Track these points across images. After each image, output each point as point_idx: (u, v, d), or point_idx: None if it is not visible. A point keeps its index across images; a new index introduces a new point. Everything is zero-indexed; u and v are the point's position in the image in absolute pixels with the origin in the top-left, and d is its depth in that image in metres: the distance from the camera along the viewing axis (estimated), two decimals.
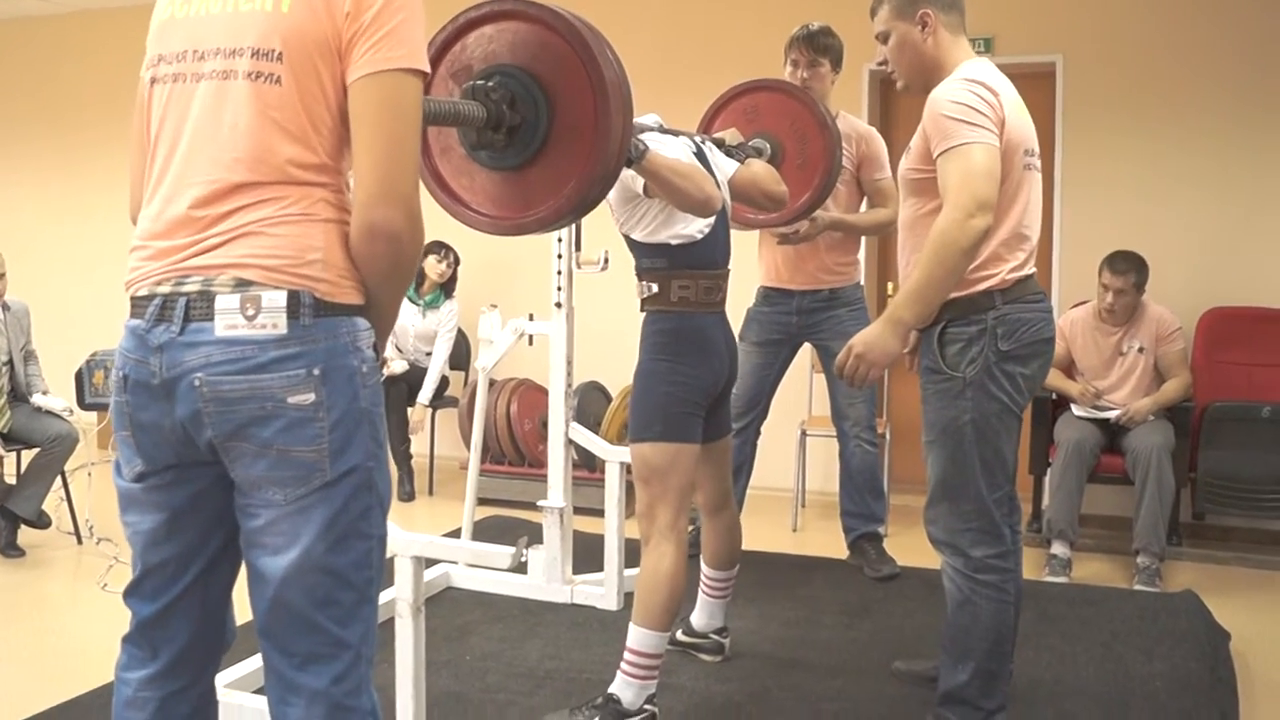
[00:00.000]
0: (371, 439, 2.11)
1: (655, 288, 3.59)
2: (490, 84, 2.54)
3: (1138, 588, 5.18)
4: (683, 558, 3.52)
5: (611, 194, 3.38)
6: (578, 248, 4.74)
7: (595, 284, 5.02)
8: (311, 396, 2.01)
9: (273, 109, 2.03)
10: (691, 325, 3.58)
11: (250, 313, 1.98)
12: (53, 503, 5.82)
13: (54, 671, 4.22)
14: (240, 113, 2.04)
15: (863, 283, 5.43)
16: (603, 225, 5.60)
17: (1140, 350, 5.73)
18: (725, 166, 3.81)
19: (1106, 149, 6.38)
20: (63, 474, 5.80)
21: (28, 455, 5.84)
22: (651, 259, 3.61)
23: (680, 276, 3.57)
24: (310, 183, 2.05)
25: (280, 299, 1.99)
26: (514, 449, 6.76)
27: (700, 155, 3.69)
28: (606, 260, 4.71)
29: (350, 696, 2.13)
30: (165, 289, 2.03)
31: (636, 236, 3.64)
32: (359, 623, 2.14)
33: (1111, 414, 5.65)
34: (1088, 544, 5.79)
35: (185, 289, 2.01)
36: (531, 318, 5.01)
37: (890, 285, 6.66)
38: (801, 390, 6.41)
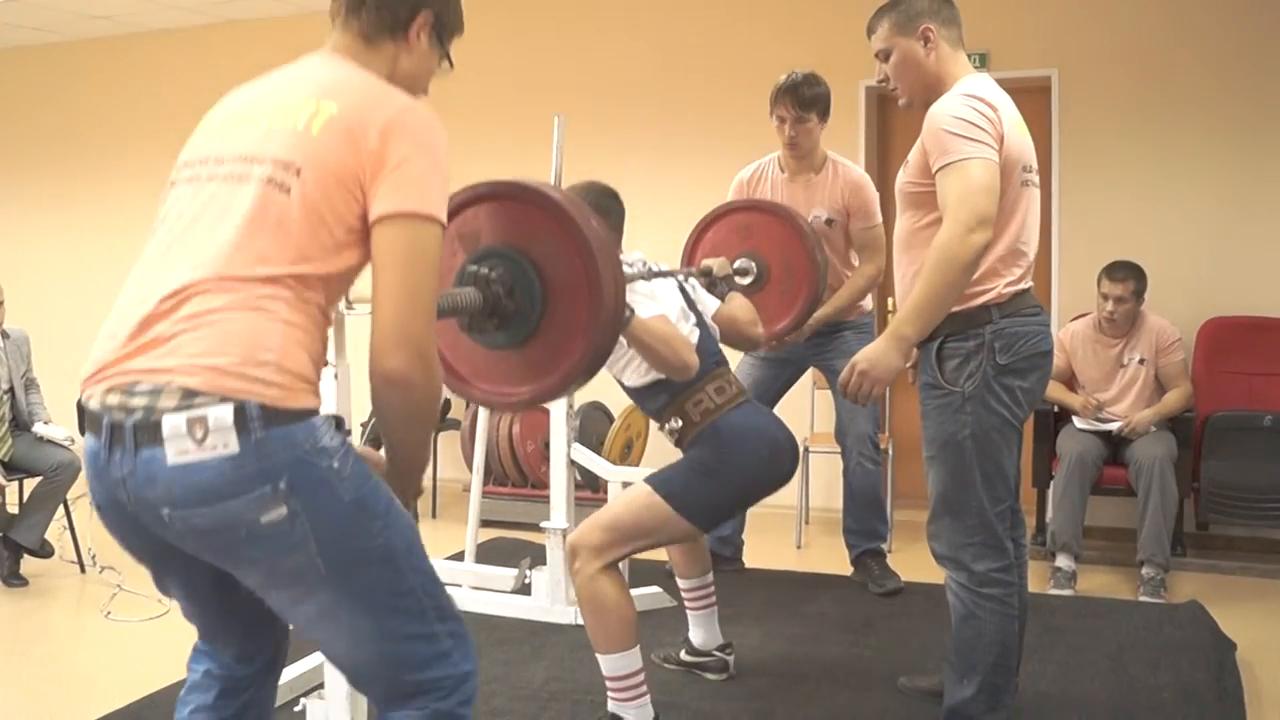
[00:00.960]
0: (372, 518, 2.08)
1: (679, 421, 3.59)
2: (492, 274, 2.54)
3: (1143, 599, 5.17)
4: (619, 582, 3.50)
5: None
6: None
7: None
8: (283, 510, 1.97)
9: (271, 213, 2.05)
10: (730, 423, 3.56)
11: (199, 435, 1.93)
12: (55, 532, 5.82)
13: (58, 701, 4.21)
14: (239, 212, 2.06)
15: (870, 307, 5.43)
16: None
17: (1141, 362, 5.73)
18: (708, 303, 3.88)
19: (1103, 162, 6.40)
20: (65, 503, 5.79)
21: (30, 484, 5.83)
22: (655, 397, 3.63)
23: (690, 397, 3.57)
24: (276, 280, 2.03)
25: (227, 415, 1.93)
26: (516, 470, 6.76)
27: (684, 293, 3.77)
28: None
29: (457, 708, 2.22)
30: (114, 400, 1.99)
31: (630, 382, 3.67)
32: (436, 661, 2.19)
33: (1113, 426, 5.65)
34: (1092, 556, 5.78)
35: (133, 404, 1.97)
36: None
37: (890, 301, 6.66)
38: (804, 407, 6.41)
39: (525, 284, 2.56)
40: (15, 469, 5.79)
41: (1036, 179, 3.32)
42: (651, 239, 7.13)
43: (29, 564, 5.76)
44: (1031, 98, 6.49)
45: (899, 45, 3.33)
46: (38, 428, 5.88)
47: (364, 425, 3.08)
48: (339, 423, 2.10)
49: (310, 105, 2.14)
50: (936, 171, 3.12)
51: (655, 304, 3.48)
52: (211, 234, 2.07)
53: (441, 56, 2.46)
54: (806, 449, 6.29)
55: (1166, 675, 4.10)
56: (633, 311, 3.28)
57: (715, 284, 3.99)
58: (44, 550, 5.79)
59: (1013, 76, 6.42)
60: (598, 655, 3.52)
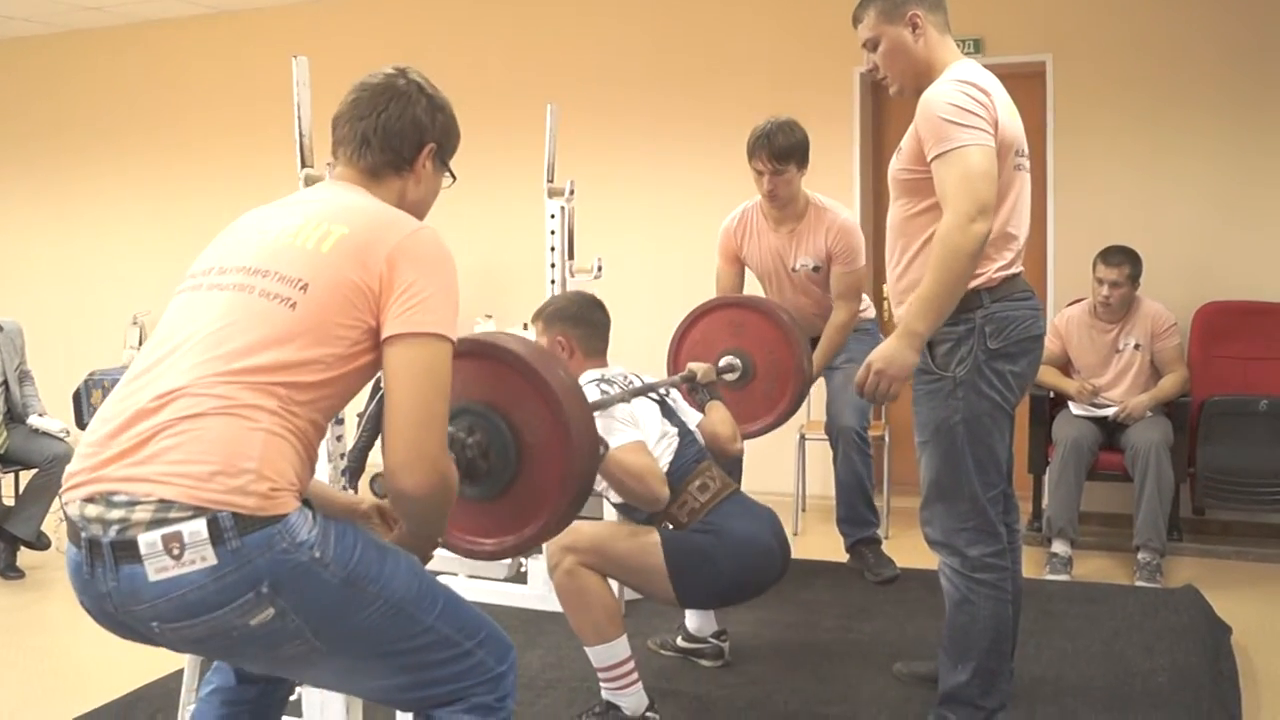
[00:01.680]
0: (366, 585, 2.09)
1: (670, 526, 3.59)
2: (469, 438, 2.55)
3: (1139, 584, 5.18)
4: (597, 575, 3.50)
5: None
6: (570, 256, 4.74)
7: (590, 291, 5.02)
8: (271, 610, 1.98)
9: (271, 324, 2.08)
10: (719, 522, 3.57)
11: (176, 551, 1.93)
12: (52, 524, 5.79)
13: (55, 693, 4.21)
14: (236, 320, 2.09)
15: (873, 314, 5.42)
16: (595, 232, 5.62)
17: (1136, 347, 5.73)
18: (690, 415, 3.90)
19: (1098, 147, 6.39)
20: (61, 495, 5.78)
21: (25, 477, 5.82)
22: (640, 511, 3.62)
23: (675, 501, 3.57)
24: (265, 388, 2.04)
25: (201, 529, 1.93)
26: None
27: (664, 407, 3.79)
28: (600, 268, 4.71)
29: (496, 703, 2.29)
30: (92, 512, 1.98)
31: (615, 499, 3.68)
32: (470, 671, 2.25)
33: (1109, 411, 5.65)
34: (1088, 542, 5.78)
35: (110, 517, 1.96)
36: (526, 327, 5.01)
37: (884, 287, 6.66)
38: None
39: (500, 444, 2.58)
40: (10, 461, 5.79)
41: (1027, 163, 3.30)
42: (644, 231, 7.18)
43: (25, 556, 5.76)
44: (1026, 83, 6.48)
45: (886, 33, 3.29)
46: (32, 420, 5.87)
47: (359, 416, 3.08)
48: (309, 505, 2.09)
49: (321, 228, 2.19)
50: (933, 160, 3.09)
51: (633, 430, 3.51)
52: (204, 342, 2.08)
53: (445, 174, 2.53)
54: (803, 436, 6.29)
55: (1162, 660, 4.10)
56: (607, 447, 3.29)
57: (697, 389, 4.05)
58: (40, 542, 5.78)
59: (1007, 62, 6.42)
60: (585, 648, 3.53)
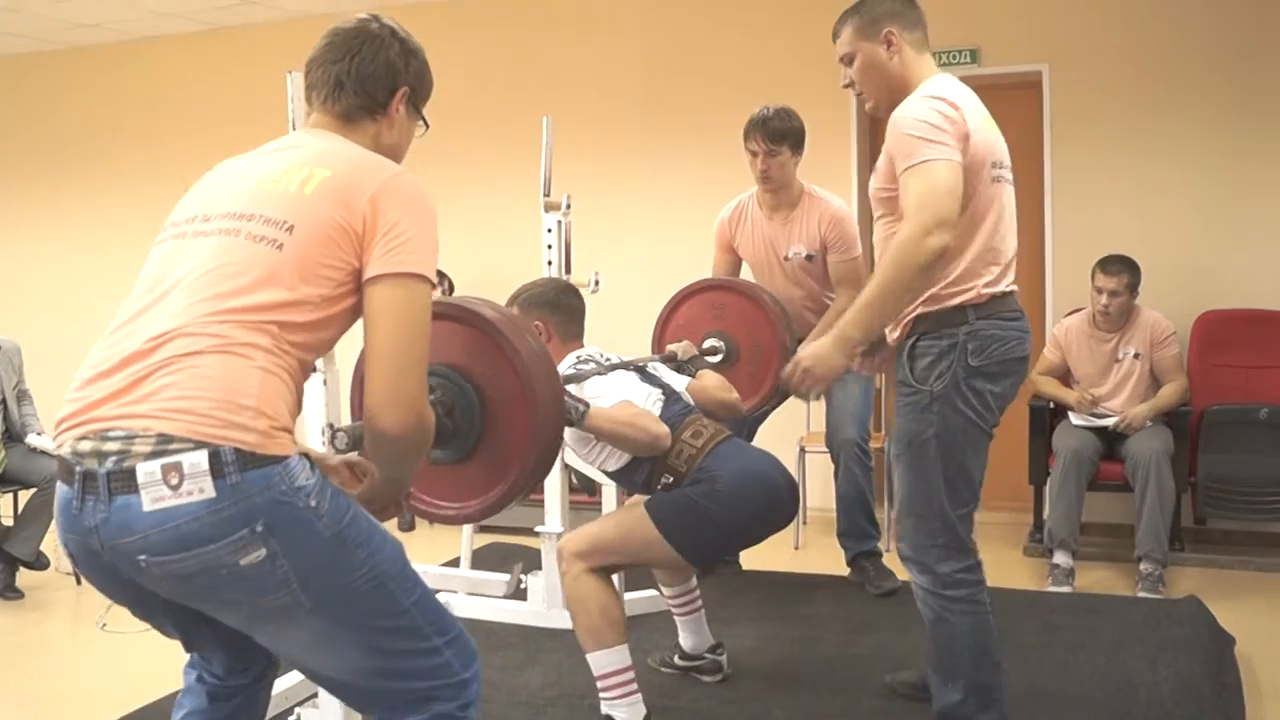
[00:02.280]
0: (355, 548, 2.10)
1: (669, 478, 3.58)
2: (434, 395, 2.53)
3: (1141, 594, 5.17)
4: (603, 581, 3.52)
5: (568, 438, 3.53)
6: (568, 270, 4.73)
7: (587, 305, 5.01)
8: (262, 551, 1.98)
9: (260, 265, 2.09)
10: (720, 463, 3.56)
11: (174, 481, 1.93)
12: (50, 544, 5.77)
13: (53, 714, 4.20)
14: (224, 264, 2.10)
15: None
16: (593, 246, 5.61)
17: (1136, 356, 5.72)
18: (674, 379, 3.90)
19: (1096, 156, 6.39)
20: (54, 439, 5.76)
21: (24, 496, 5.81)
22: (639, 469, 3.64)
23: (671, 450, 3.58)
24: (258, 326, 2.05)
25: (202, 461, 1.93)
26: None
27: (643, 374, 3.80)
28: (598, 282, 4.71)
29: (458, 711, 2.28)
30: (86, 446, 2.00)
31: (611, 467, 3.68)
32: (436, 671, 2.23)
33: (1109, 421, 5.64)
34: (1090, 552, 5.77)
35: (106, 449, 1.97)
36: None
37: None
38: (800, 408, 6.39)
39: (465, 404, 2.59)
40: (9, 481, 5.78)
41: (1008, 174, 3.28)
42: (640, 244, 7.17)
43: (24, 576, 5.75)
44: (1023, 93, 6.50)
45: (862, 49, 3.30)
46: (31, 439, 5.87)
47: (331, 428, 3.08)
48: (311, 461, 2.10)
49: (303, 171, 2.20)
50: (901, 173, 3.07)
51: (615, 391, 3.56)
52: (195, 284, 2.09)
53: (418, 120, 2.54)
54: (803, 449, 6.28)
55: (1165, 671, 4.09)
56: (588, 405, 3.35)
57: (681, 367, 4.06)
58: (39, 562, 5.77)
59: (1004, 72, 6.45)
60: (586, 655, 3.53)
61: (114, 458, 1.95)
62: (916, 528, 3.26)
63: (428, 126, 2.57)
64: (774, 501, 3.62)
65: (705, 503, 3.47)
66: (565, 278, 4.72)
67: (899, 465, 3.30)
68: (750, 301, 4.58)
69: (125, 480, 1.95)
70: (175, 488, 1.93)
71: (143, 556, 1.97)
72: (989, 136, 3.20)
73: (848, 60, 3.34)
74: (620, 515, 3.62)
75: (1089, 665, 4.18)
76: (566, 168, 5.14)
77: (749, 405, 4.51)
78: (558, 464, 4.73)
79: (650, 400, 3.67)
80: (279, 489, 1.99)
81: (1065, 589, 5.28)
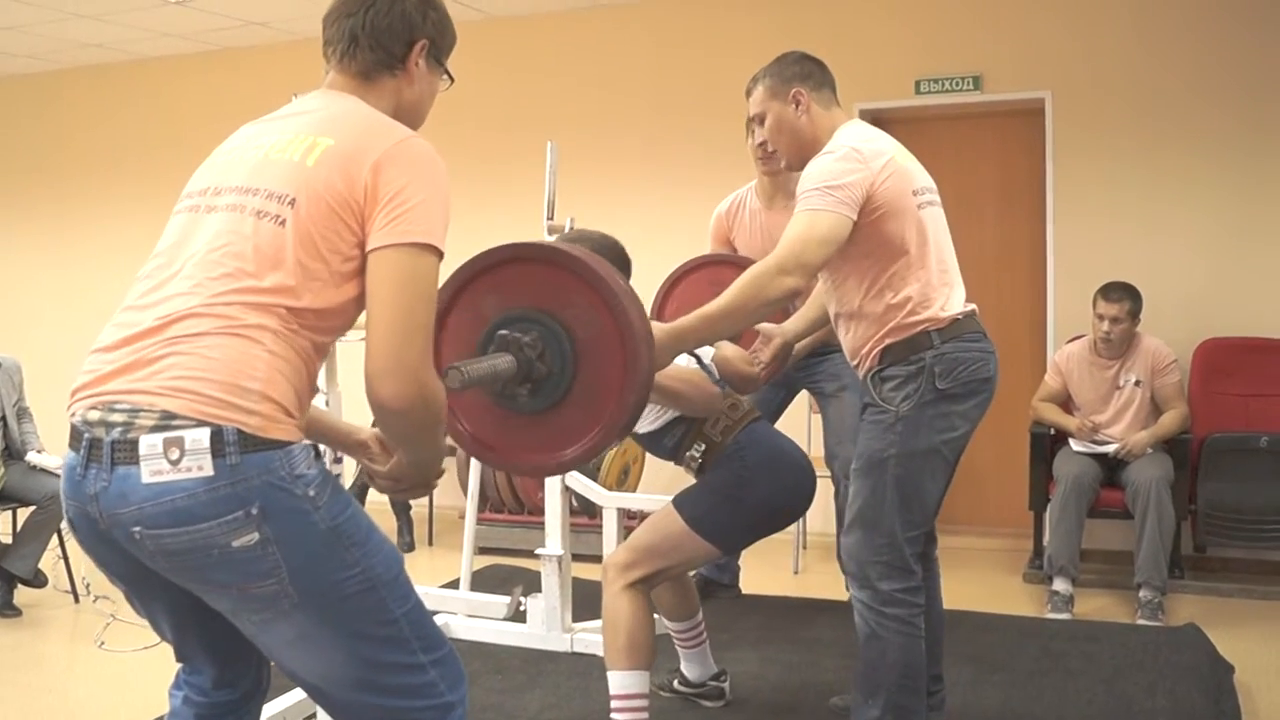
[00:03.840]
0: (348, 547, 2.07)
1: (702, 445, 3.60)
2: (525, 338, 2.52)
3: (1140, 622, 5.16)
4: (639, 603, 3.52)
5: None
6: None
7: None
8: (255, 535, 1.97)
9: (265, 244, 2.06)
10: (754, 439, 3.59)
11: (174, 456, 1.93)
12: (49, 561, 5.79)
13: None
14: (232, 242, 2.07)
15: None
16: None
17: (1137, 383, 5.73)
18: (704, 352, 3.87)
19: (1097, 183, 6.40)
20: (59, 532, 5.76)
21: (23, 514, 5.79)
22: (671, 433, 3.65)
23: (705, 421, 3.60)
24: (266, 308, 2.03)
25: (203, 438, 1.93)
26: (512, 497, 6.74)
27: None
28: None
29: None
30: (94, 416, 2.00)
31: (643, 429, 3.67)
32: (420, 691, 2.17)
33: (1110, 448, 5.64)
34: (1089, 579, 5.76)
35: (112, 419, 1.98)
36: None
37: None
38: (800, 431, 6.38)
39: (556, 346, 2.54)
40: (8, 498, 5.77)
41: (934, 197, 3.36)
42: (640, 264, 7.16)
43: (22, 594, 5.73)
44: (1025, 120, 6.53)
45: (772, 109, 3.44)
46: (31, 457, 5.86)
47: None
48: (317, 451, 2.09)
49: (308, 140, 2.15)
50: (796, 210, 3.18)
51: None
52: (203, 263, 2.07)
53: (441, 75, 2.47)
54: None
55: (1164, 699, 4.08)
56: None
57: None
58: (38, 580, 5.76)
59: (1007, 99, 6.48)
60: (607, 670, 3.54)
61: (119, 428, 1.96)
62: (863, 542, 3.27)
63: (452, 80, 2.50)
64: (799, 484, 3.64)
65: (733, 490, 3.51)
66: None
67: (855, 480, 3.33)
68: (740, 270, 4.53)
69: (128, 451, 1.95)
70: (175, 463, 1.93)
71: (137, 528, 1.97)
72: (903, 169, 3.28)
73: (759, 120, 3.50)
74: (653, 518, 3.62)
75: (1088, 692, 4.18)
76: (570, 190, 5.15)
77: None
78: (559, 486, 4.74)
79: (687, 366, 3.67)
80: (278, 474, 1.98)
81: (1064, 615, 5.27)
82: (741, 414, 3.64)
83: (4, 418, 5.87)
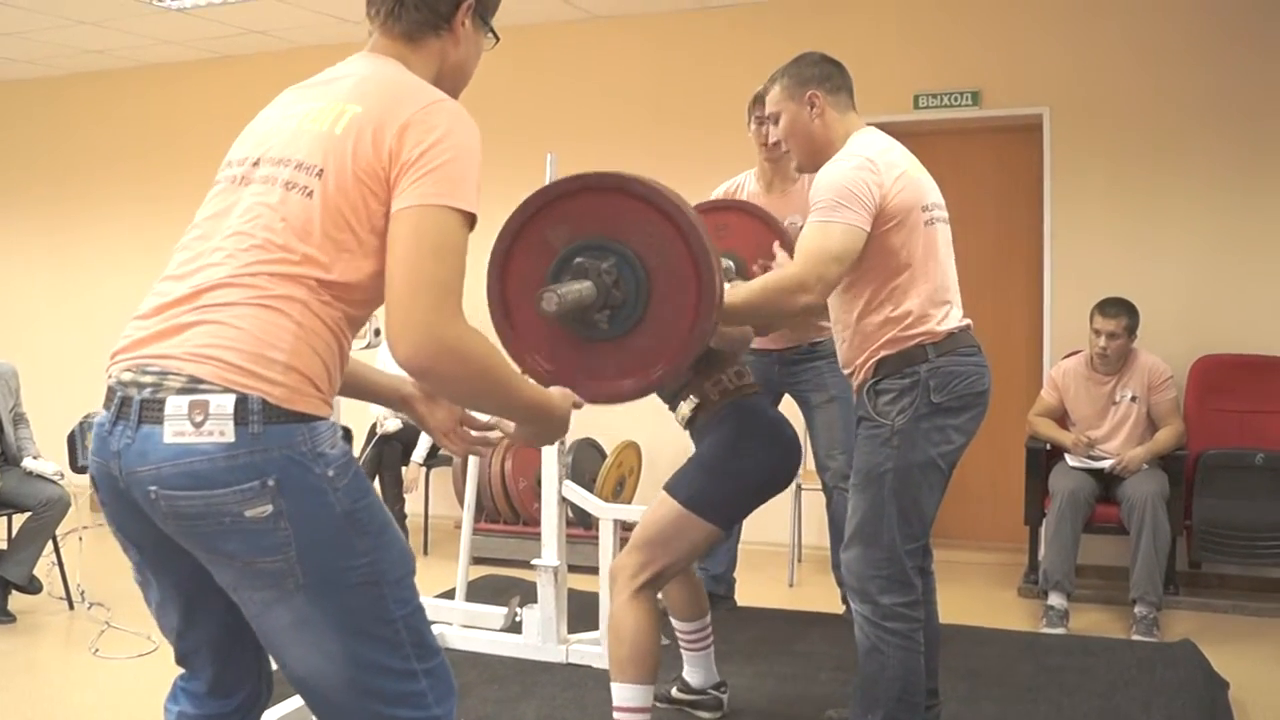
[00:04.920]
0: (361, 535, 2.05)
1: (695, 399, 3.59)
2: (603, 265, 2.54)
3: (1135, 638, 5.16)
4: (647, 614, 3.51)
5: None
6: None
7: None
8: (269, 508, 1.96)
9: (295, 216, 2.05)
10: (746, 407, 3.58)
11: (198, 419, 1.93)
12: (44, 568, 5.78)
13: None
14: (264, 214, 2.07)
15: None
16: None
17: (1133, 399, 5.74)
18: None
19: (1095, 199, 6.42)
20: (54, 539, 5.76)
21: (19, 519, 5.80)
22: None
23: (710, 377, 3.58)
24: (296, 279, 2.03)
25: (228, 404, 1.93)
26: (508, 507, 6.74)
27: None
28: None
29: None
30: (128, 376, 2.02)
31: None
32: (409, 700, 2.12)
33: (1105, 464, 5.65)
34: (1084, 594, 5.76)
35: (143, 380, 1.99)
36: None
37: None
38: None
39: (630, 273, 2.57)
40: (3, 504, 5.76)
41: (942, 214, 3.38)
42: None
43: (17, 600, 5.72)
44: (1023, 136, 6.54)
45: (787, 110, 3.47)
46: (26, 463, 5.85)
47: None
48: (346, 433, 2.09)
49: (337, 107, 2.13)
50: (809, 220, 3.19)
51: None
52: (236, 234, 2.08)
53: (486, 34, 2.43)
54: (798, 486, 6.27)
55: (1159, 715, 4.08)
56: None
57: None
58: (32, 586, 5.75)
59: (1005, 115, 6.49)
60: (610, 682, 3.54)
61: (149, 389, 1.98)
62: (863, 557, 3.29)
63: (497, 39, 2.46)
64: (787, 454, 3.62)
65: (723, 463, 3.50)
66: None
67: (854, 494, 3.35)
68: (753, 219, 4.53)
69: (155, 410, 1.96)
70: (198, 425, 1.93)
71: (153, 487, 1.97)
72: (916, 181, 3.30)
73: (774, 119, 3.53)
74: (649, 512, 3.59)
75: (1083, 707, 4.18)
76: None
77: None
78: (555, 496, 4.74)
79: None
80: (299, 449, 1.97)
81: (1059, 631, 5.28)
82: (744, 383, 3.63)
83: (0, 424, 5.86)
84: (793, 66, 3.48)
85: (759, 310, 3.13)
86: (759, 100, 5.03)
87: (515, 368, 2.14)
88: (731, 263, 4.45)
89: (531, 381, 2.20)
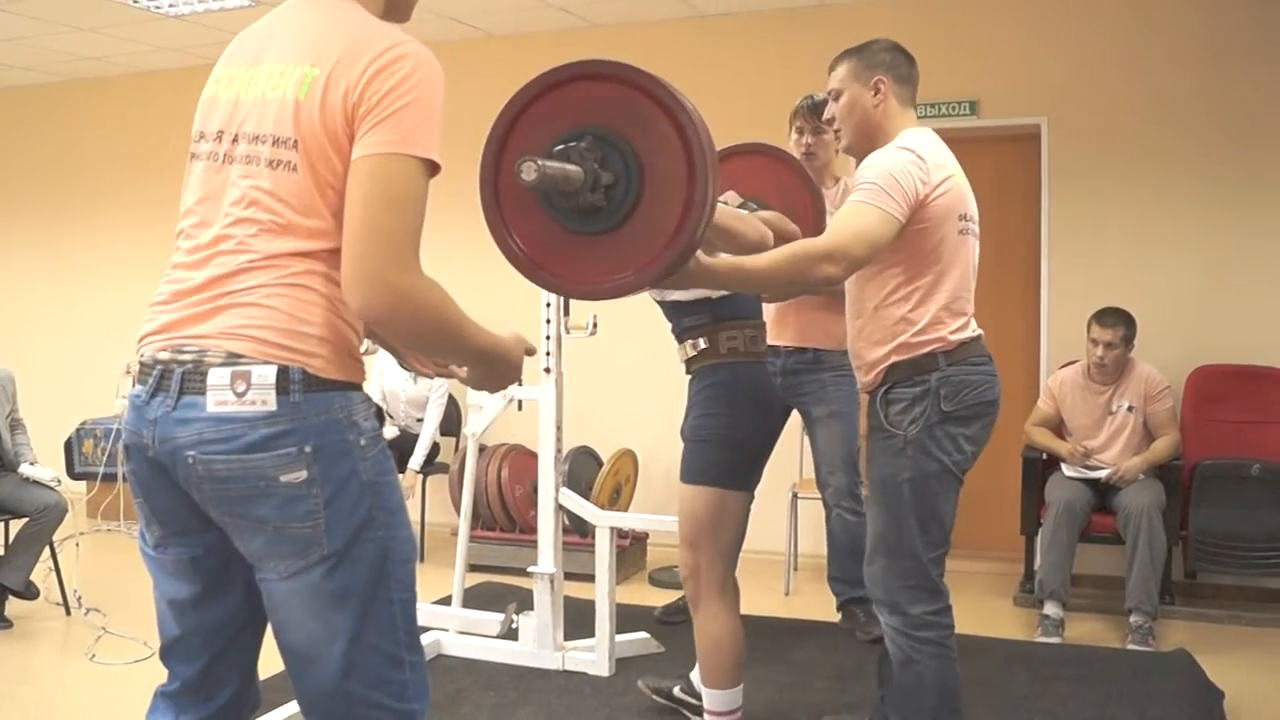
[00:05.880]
0: (379, 508, 2.10)
1: (703, 343, 3.58)
2: (583, 144, 2.51)
3: (1131, 647, 5.17)
4: (733, 615, 3.56)
5: None
6: (566, 313, 4.75)
7: (584, 349, 5.02)
8: (304, 474, 2.01)
9: (291, 195, 2.06)
10: (745, 376, 3.58)
11: (240, 389, 1.99)
12: (41, 573, 5.77)
13: None
14: (260, 193, 2.08)
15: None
16: None
17: (1129, 409, 5.74)
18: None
19: (1092, 210, 6.43)
20: (51, 544, 5.76)
21: (16, 525, 5.79)
22: (694, 316, 3.61)
23: (727, 328, 3.57)
24: (310, 254, 2.06)
25: (270, 375, 1.99)
26: (505, 515, 6.74)
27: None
28: (595, 325, 4.72)
29: None
30: (165, 355, 2.06)
31: (677, 296, 3.62)
32: (391, 688, 2.14)
33: (1102, 473, 5.65)
34: (1080, 604, 5.77)
35: (182, 358, 2.04)
36: (520, 383, 5.00)
37: None
38: (792, 453, 6.40)
39: (618, 161, 2.53)
40: (1, 510, 5.75)
41: (975, 228, 3.37)
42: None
43: (14, 606, 5.71)
44: (1022, 145, 6.55)
45: (851, 89, 3.42)
46: (24, 468, 5.85)
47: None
48: (380, 414, 2.11)
49: (297, 71, 2.09)
50: (852, 197, 3.17)
51: None
52: (240, 220, 2.09)
53: None
54: (795, 495, 6.28)
55: None
56: None
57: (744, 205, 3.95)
58: (29, 592, 5.74)
59: (1003, 124, 6.50)
60: (705, 688, 3.63)
61: (191, 364, 2.03)
62: (888, 569, 3.29)
63: None
64: (771, 413, 3.66)
65: (722, 433, 3.51)
66: (565, 320, 4.74)
67: (871, 508, 3.36)
68: (776, 161, 4.42)
69: (198, 381, 2.01)
70: (240, 395, 1.99)
71: (191, 452, 2.02)
72: (958, 189, 3.29)
73: (835, 95, 3.47)
74: (679, 510, 3.61)
75: (1078, 717, 4.18)
76: None
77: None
78: (551, 504, 4.74)
79: None
80: (336, 416, 2.04)
81: (1055, 640, 5.28)
82: (755, 349, 3.61)
83: None
84: (863, 48, 3.44)
85: (781, 272, 3.04)
86: (798, 112, 5.08)
87: (467, 316, 2.13)
88: (755, 204, 4.41)
89: (484, 328, 2.20)
